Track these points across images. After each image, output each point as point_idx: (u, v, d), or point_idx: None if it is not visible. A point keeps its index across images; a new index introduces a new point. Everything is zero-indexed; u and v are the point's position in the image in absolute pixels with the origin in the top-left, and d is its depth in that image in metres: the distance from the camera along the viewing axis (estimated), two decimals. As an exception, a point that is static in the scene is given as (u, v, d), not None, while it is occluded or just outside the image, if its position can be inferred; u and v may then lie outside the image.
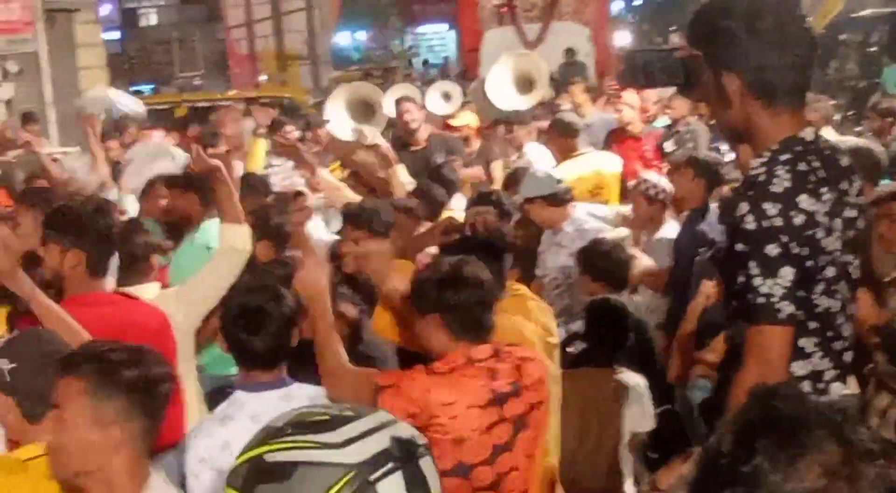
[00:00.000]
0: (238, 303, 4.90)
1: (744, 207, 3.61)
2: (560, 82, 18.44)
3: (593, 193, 10.07)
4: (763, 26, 3.71)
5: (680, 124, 12.42)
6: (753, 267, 3.58)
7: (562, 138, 11.20)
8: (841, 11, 27.13)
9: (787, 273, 3.55)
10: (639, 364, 6.44)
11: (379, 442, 2.25)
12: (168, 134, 15.79)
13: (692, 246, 7.27)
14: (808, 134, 3.77)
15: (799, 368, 3.72)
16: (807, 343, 3.72)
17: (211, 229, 7.41)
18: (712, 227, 7.27)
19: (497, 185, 11.22)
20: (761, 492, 1.88)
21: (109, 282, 5.67)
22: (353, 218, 6.54)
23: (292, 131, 13.86)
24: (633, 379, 6.17)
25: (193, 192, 7.66)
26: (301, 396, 4.78)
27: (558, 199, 8.22)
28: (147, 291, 6.03)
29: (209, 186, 7.16)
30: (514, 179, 9.47)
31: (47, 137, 18.30)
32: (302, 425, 2.27)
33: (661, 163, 11.16)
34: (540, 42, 25.82)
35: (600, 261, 7.20)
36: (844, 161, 3.86)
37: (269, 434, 2.26)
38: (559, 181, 8.32)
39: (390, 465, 2.22)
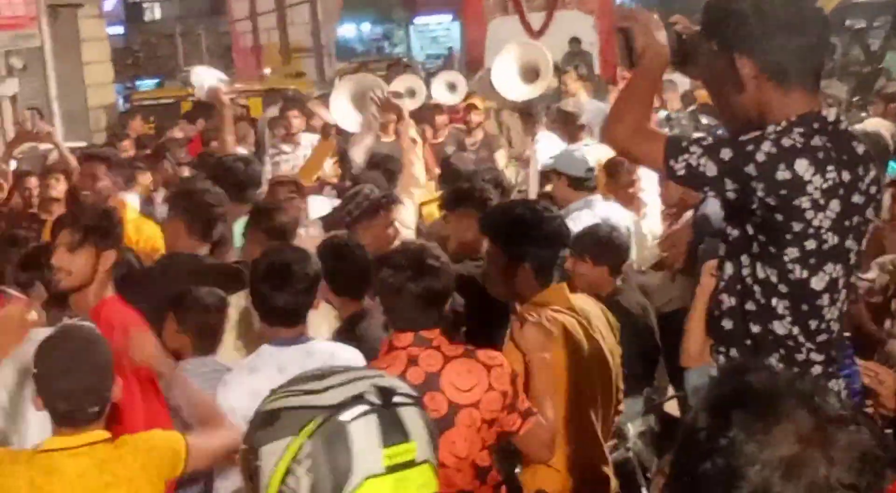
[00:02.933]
0: (267, 260, 5.14)
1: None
2: (564, 71, 18.44)
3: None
4: (775, 9, 3.76)
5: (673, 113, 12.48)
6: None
7: (565, 128, 11.23)
8: (845, -2, 27.11)
9: (712, 167, 3.69)
10: (641, 352, 6.45)
11: (357, 388, 2.38)
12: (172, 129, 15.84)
13: (706, 228, 7.21)
14: (830, 114, 3.80)
15: (777, 327, 3.81)
16: (778, 304, 3.79)
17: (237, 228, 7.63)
18: (715, 216, 7.26)
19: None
20: (738, 462, 1.93)
21: None
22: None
23: (297, 117, 13.91)
24: None
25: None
26: (323, 351, 5.05)
27: (581, 184, 8.30)
28: None
29: (239, 183, 7.38)
30: None
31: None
32: (298, 379, 2.47)
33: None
34: (545, 31, 25.77)
35: (600, 245, 7.03)
36: (861, 149, 3.88)
37: (273, 391, 2.46)
38: (591, 169, 8.39)
39: (364, 408, 2.34)
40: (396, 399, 2.39)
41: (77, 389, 4.15)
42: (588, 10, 26.92)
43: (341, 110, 13.71)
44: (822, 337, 3.83)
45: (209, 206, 6.79)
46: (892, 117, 12.23)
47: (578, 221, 7.58)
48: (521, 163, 11.46)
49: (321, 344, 5.16)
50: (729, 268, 3.88)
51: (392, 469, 2.34)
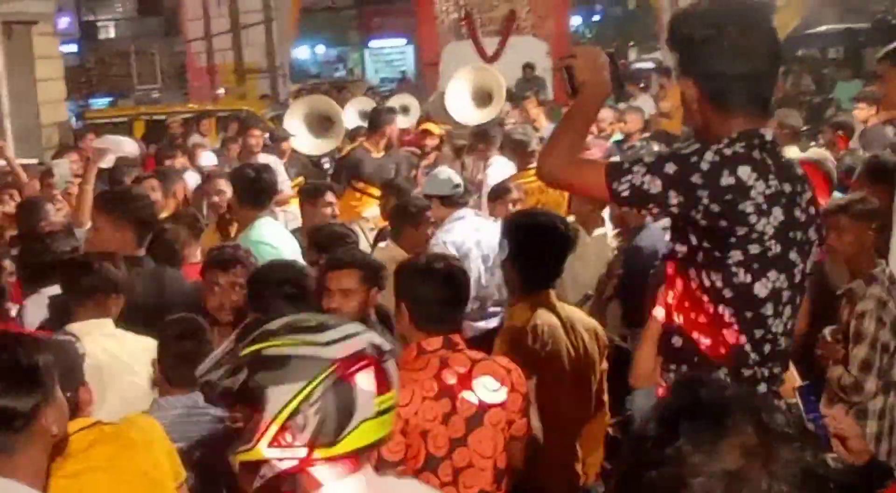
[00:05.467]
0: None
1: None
2: (518, 97, 18.52)
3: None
4: (721, 35, 3.83)
5: (634, 139, 12.52)
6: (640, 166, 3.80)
7: (514, 153, 11.36)
8: (797, 27, 27.35)
9: (656, 183, 3.74)
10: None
11: (357, 344, 2.83)
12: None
13: (638, 261, 7.35)
14: (767, 133, 3.88)
15: (727, 335, 3.86)
16: (724, 311, 3.85)
17: (263, 227, 7.84)
18: (656, 242, 7.37)
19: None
20: (684, 472, 1.97)
21: None
22: None
23: (260, 136, 13.96)
24: None
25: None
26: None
27: (450, 201, 8.99)
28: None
29: (262, 184, 7.94)
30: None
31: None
32: (294, 328, 2.86)
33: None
34: (499, 56, 25.93)
35: None
36: (799, 170, 3.99)
37: (267, 334, 2.85)
38: (457, 186, 9.09)
39: (364, 362, 2.81)
40: (385, 355, 2.86)
41: None
42: (542, 35, 27.13)
43: (296, 131, 13.74)
44: (767, 347, 3.88)
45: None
46: (838, 146, 12.36)
47: (450, 233, 8.68)
48: (473, 187, 11.49)
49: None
50: (678, 285, 3.93)
51: (379, 414, 2.82)
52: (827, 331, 6.12)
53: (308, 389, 2.75)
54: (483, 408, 4.70)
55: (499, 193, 9.65)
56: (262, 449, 2.78)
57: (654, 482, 1.99)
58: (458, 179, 9.28)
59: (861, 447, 4.22)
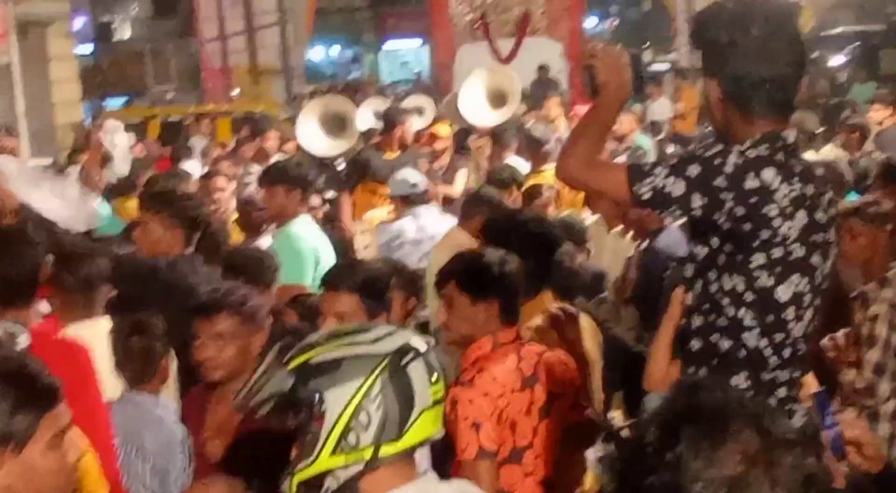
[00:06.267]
0: None
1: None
2: (532, 98, 18.47)
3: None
4: (747, 38, 3.81)
5: (627, 140, 12.53)
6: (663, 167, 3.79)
7: (529, 151, 11.37)
8: (812, 29, 27.27)
9: (679, 185, 3.72)
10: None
11: (402, 338, 2.89)
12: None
13: (655, 264, 7.31)
14: (789, 135, 3.85)
15: (748, 339, 3.84)
16: (745, 315, 3.83)
17: (298, 226, 7.95)
18: (675, 244, 7.33)
19: (457, 191, 11.43)
20: (683, 478, 1.96)
21: None
22: None
23: (275, 139, 13.99)
24: None
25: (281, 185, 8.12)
26: None
27: (409, 200, 9.62)
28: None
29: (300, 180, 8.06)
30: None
31: (19, 150, 18.23)
32: (335, 335, 2.91)
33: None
34: (513, 58, 25.87)
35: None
36: (819, 172, 3.97)
37: (309, 346, 2.88)
38: (414, 185, 9.67)
39: (413, 353, 2.85)
40: (428, 347, 2.90)
41: None
42: (557, 37, 27.06)
43: (309, 132, 13.73)
44: (787, 352, 3.86)
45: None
46: (853, 147, 12.31)
47: (402, 227, 9.41)
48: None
49: None
50: (697, 287, 3.91)
51: (435, 403, 2.86)
52: (840, 334, 6.09)
53: (367, 384, 2.78)
54: (551, 398, 4.79)
55: (532, 194, 9.67)
56: (326, 458, 2.78)
57: (653, 489, 1.98)
58: (415, 180, 9.78)
59: (876, 454, 4.20)
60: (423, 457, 3.00)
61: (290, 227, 8.04)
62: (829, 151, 11.71)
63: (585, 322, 5.63)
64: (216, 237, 7.25)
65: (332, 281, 5.35)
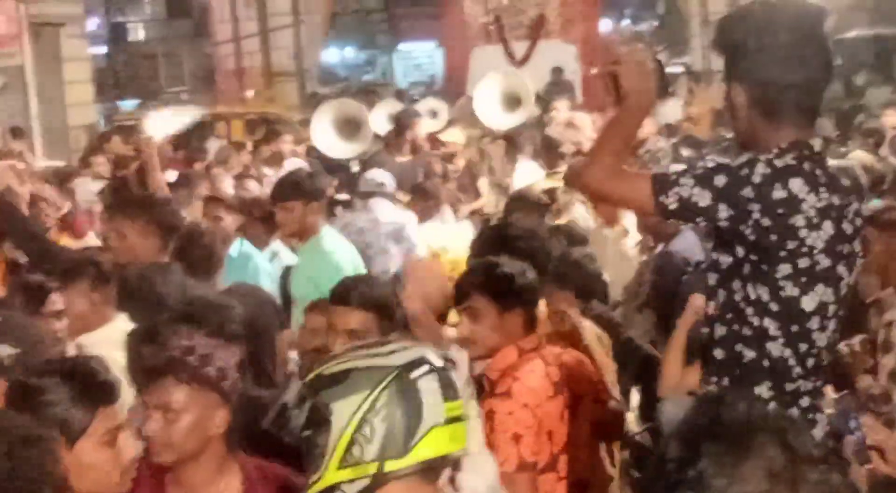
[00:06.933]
0: None
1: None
2: (546, 101, 18.46)
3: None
4: (775, 42, 3.76)
5: (649, 143, 12.49)
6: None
7: (545, 152, 11.36)
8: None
9: (705, 196, 3.68)
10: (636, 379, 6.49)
11: (417, 352, 2.81)
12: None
13: (671, 268, 7.27)
14: (816, 143, 3.81)
15: (771, 349, 3.81)
16: (770, 325, 3.79)
17: (327, 240, 7.71)
18: (690, 248, 7.30)
19: (483, 201, 11.33)
20: None
21: None
22: None
23: (291, 142, 13.99)
24: None
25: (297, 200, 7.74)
26: None
27: (370, 197, 9.80)
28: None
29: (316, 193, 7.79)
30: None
31: (32, 152, 18.25)
32: (354, 347, 2.88)
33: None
34: (527, 60, 25.85)
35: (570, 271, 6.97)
36: (846, 181, 3.91)
37: (327, 359, 2.86)
38: (380, 184, 9.82)
39: (426, 368, 2.77)
40: (448, 363, 2.85)
41: None
42: (571, 39, 27.02)
43: (323, 135, 13.71)
44: (811, 362, 3.83)
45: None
46: (871, 153, 12.28)
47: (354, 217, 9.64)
48: (501, 191, 11.46)
49: None
50: (721, 296, 3.87)
51: (450, 421, 2.75)
52: (856, 340, 6.06)
53: (372, 396, 2.70)
54: (576, 398, 4.83)
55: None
56: (333, 472, 2.71)
57: None
58: (381, 179, 9.93)
59: None
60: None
61: (320, 242, 7.68)
62: (856, 155, 11.65)
63: (590, 329, 5.62)
64: (206, 247, 7.00)
65: (342, 296, 5.08)
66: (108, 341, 5.13)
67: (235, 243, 8.34)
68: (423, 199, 10.18)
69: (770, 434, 1.95)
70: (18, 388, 3.30)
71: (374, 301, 4.99)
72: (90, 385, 3.29)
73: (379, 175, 10.01)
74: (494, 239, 5.75)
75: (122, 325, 5.45)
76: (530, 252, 5.42)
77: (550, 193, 9.70)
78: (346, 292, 5.07)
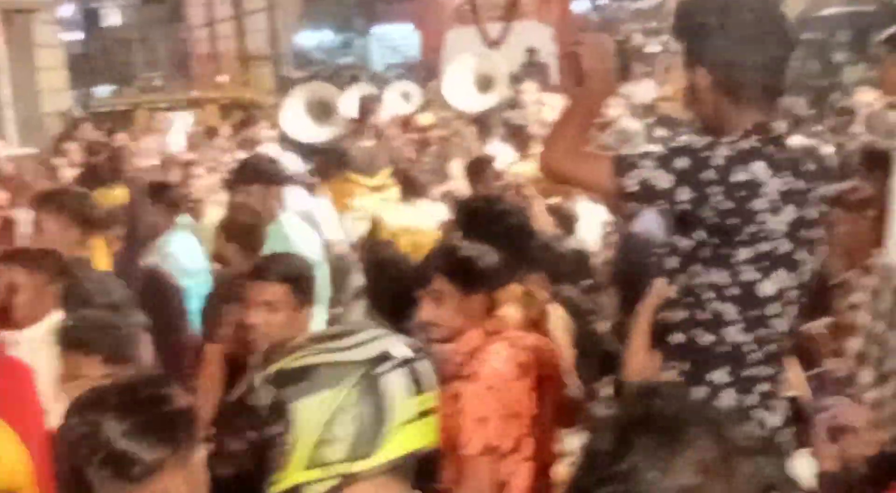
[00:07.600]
0: None
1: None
2: (521, 81, 18.45)
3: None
4: (736, 23, 3.77)
5: (620, 123, 12.50)
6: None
7: (512, 137, 11.39)
8: (803, 10, 27.21)
9: (665, 178, 3.67)
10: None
11: (382, 346, 2.72)
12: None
13: (634, 249, 7.27)
14: (780, 126, 3.80)
15: (730, 334, 3.80)
16: (729, 309, 3.77)
17: (288, 227, 7.64)
18: (652, 225, 7.29)
19: (457, 184, 11.33)
20: (637, 489, 1.87)
21: None
22: None
23: (266, 127, 13.98)
24: None
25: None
26: None
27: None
28: None
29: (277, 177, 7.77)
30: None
31: (4, 139, 18.16)
32: (314, 339, 2.78)
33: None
34: (502, 41, 25.82)
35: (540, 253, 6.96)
36: (811, 166, 3.91)
37: (287, 351, 2.76)
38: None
39: (394, 362, 2.70)
40: (416, 355, 2.76)
41: None
42: (547, 20, 26.97)
43: (296, 119, 13.70)
44: (770, 348, 3.83)
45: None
46: (844, 131, 12.29)
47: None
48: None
49: None
50: (681, 280, 3.85)
51: (421, 415, 2.70)
52: (821, 322, 6.05)
53: (340, 395, 2.64)
54: (542, 381, 4.83)
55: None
56: (300, 472, 2.65)
57: None
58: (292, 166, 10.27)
59: (872, 437, 4.16)
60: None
61: (282, 229, 7.54)
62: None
63: (556, 313, 5.61)
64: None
65: (260, 270, 5.46)
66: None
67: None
68: (404, 184, 10.14)
69: (703, 427, 1.92)
70: None
71: (289, 275, 5.39)
72: None
73: (291, 161, 10.13)
74: (471, 218, 5.76)
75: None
76: (509, 231, 5.45)
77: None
78: (264, 267, 5.48)
